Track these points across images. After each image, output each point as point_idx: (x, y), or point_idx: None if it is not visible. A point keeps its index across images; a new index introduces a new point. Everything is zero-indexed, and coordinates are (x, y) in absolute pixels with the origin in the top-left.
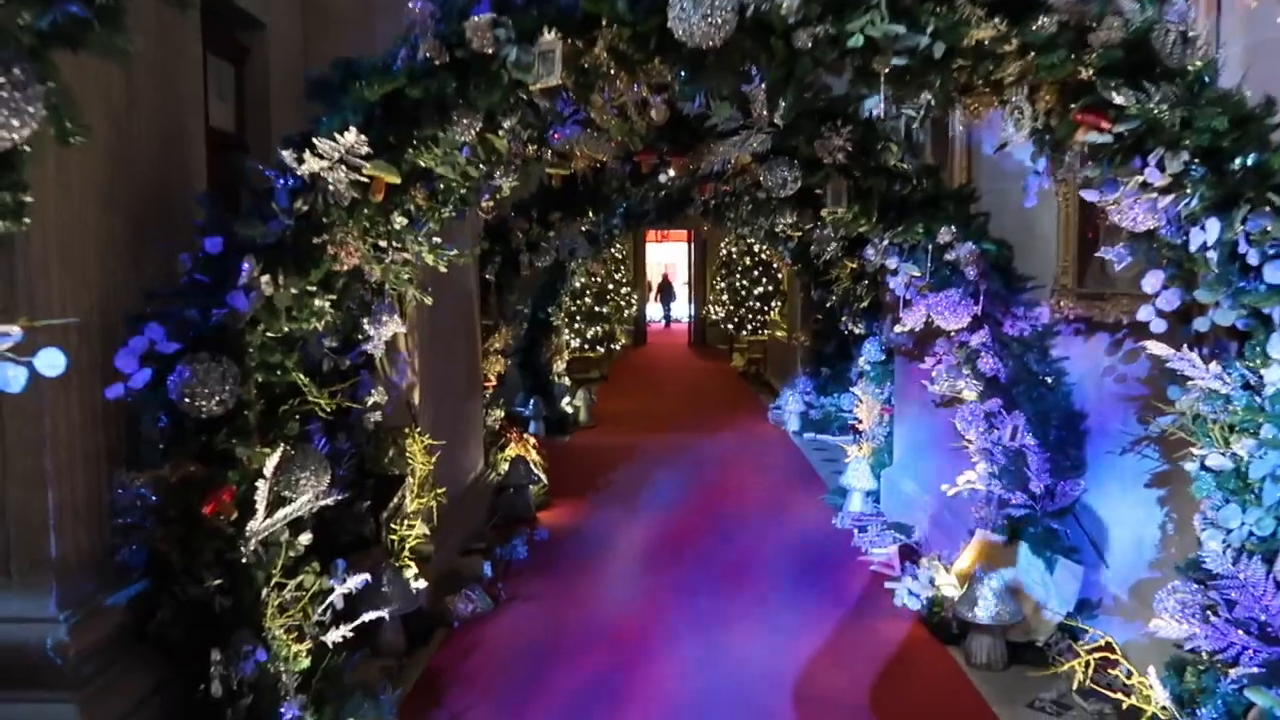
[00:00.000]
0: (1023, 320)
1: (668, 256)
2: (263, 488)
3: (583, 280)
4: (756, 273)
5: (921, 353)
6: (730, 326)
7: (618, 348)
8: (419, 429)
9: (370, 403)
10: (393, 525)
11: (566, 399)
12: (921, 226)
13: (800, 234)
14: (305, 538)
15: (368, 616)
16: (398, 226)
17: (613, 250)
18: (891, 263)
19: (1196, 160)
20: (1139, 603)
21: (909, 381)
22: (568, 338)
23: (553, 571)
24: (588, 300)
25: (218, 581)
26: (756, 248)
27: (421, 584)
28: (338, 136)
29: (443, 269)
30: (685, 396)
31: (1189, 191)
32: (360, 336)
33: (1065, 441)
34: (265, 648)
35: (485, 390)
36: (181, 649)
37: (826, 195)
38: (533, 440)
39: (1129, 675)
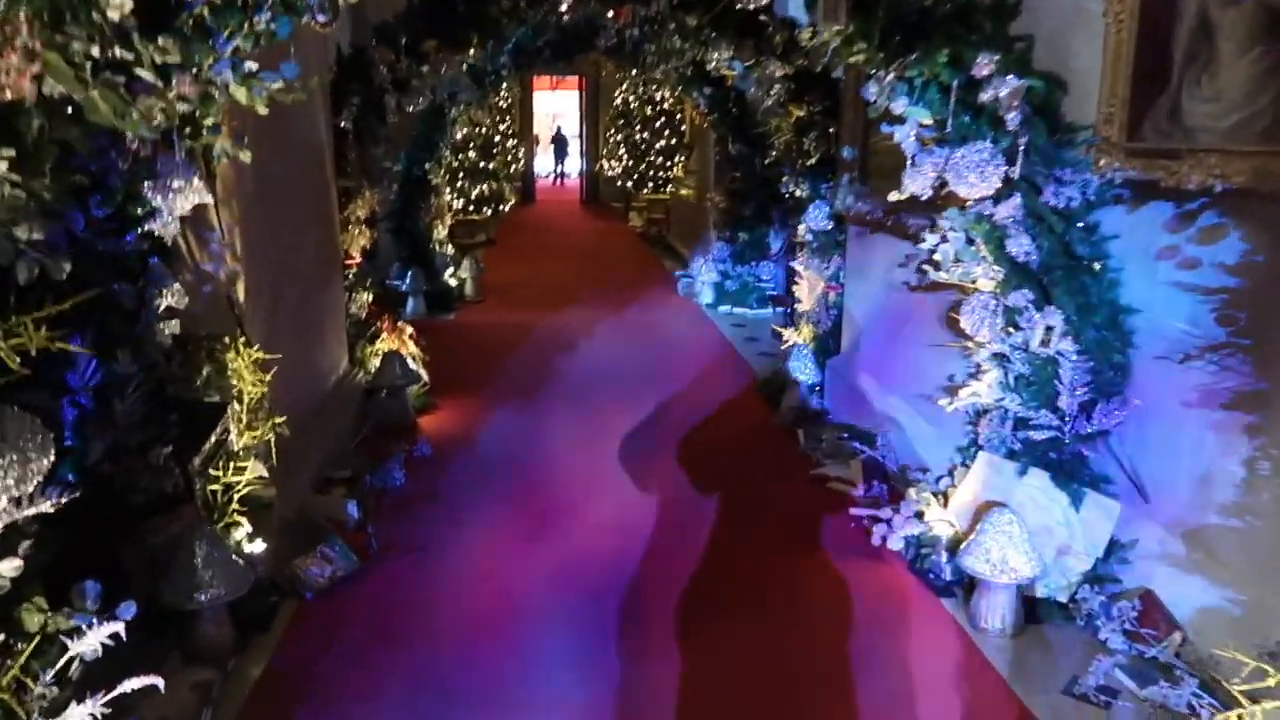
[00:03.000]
0: (1069, 186)
1: (557, 106)
2: None
3: (466, 131)
4: (659, 124)
5: (893, 222)
6: (629, 184)
7: (505, 209)
8: (244, 337)
9: (162, 306)
10: (212, 471)
11: (450, 271)
12: (947, 53)
13: (733, 74)
14: (10, 566)
15: (130, 685)
16: (113, 14)
17: (497, 98)
18: (898, 106)
19: None
20: (1202, 553)
21: (868, 256)
22: (449, 198)
23: (437, 503)
24: (471, 155)
25: None
26: (659, 96)
27: (258, 547)
28: None
29: (261, 109)
30: (583, 262)
31: None
32: (140, 211)
33: (1107, 345)
34: None
35: (347, 270)
36: None
37: (817, 8)
38: (409, 330)
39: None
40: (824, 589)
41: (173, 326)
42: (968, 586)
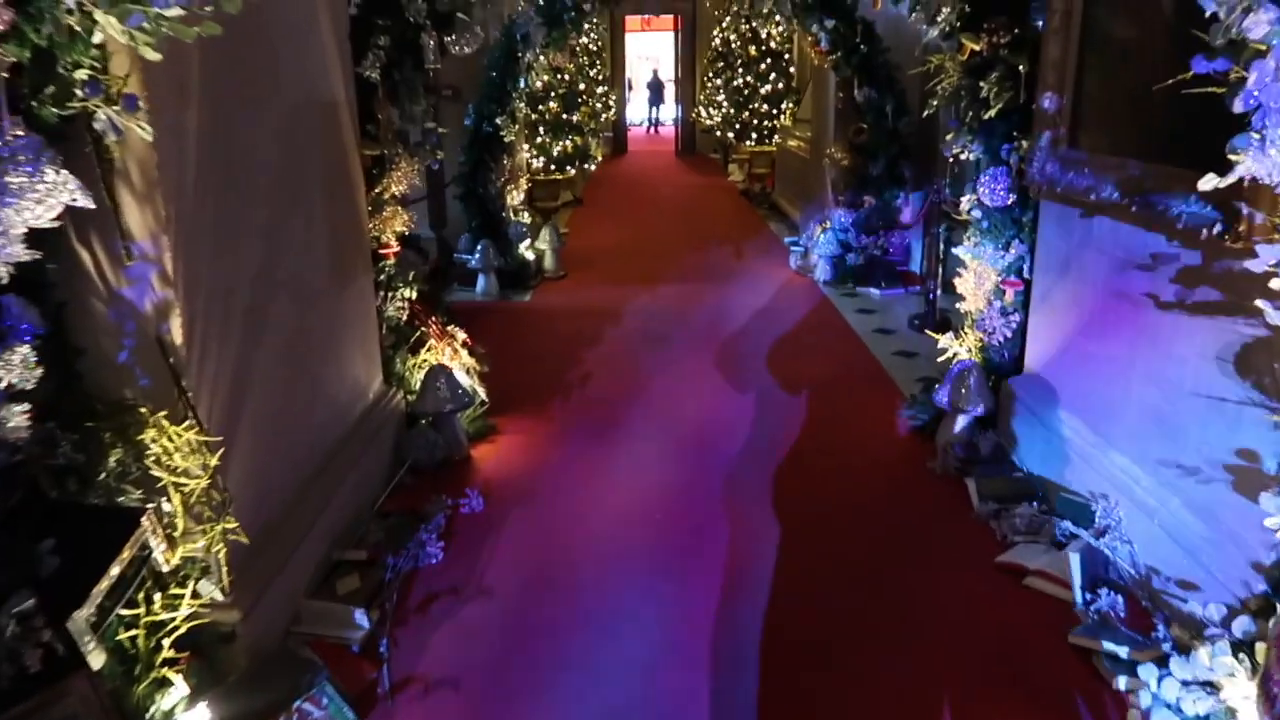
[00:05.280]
0: None
1: (650, 49)
2: None
3: (545, 79)
4: (763, 66)
5: (1137, 206)
6: (731, 134)
7: (592, 168)
8: (184, 397)
9: (2, 384)
10: (123, 611)
11: (526, 243)
12: None
13: None
14: None
15: None
16: None
17: (584, 40)
18: (1256, 25)
19: None
20: None
21: (1077, 248)
22: (527, 156)
23: (484, 599)
24: (553, 106)
25: None
26: (764, 33)
27: (199, 716)
28: None
29: (150, 54)
30: (678, 224)
31: None
32: None
33: None
34: None
35: (384, 262)
36: None
37: None
38: (462, 337)
39: None
40: None
41: (17, 416)
42: None
